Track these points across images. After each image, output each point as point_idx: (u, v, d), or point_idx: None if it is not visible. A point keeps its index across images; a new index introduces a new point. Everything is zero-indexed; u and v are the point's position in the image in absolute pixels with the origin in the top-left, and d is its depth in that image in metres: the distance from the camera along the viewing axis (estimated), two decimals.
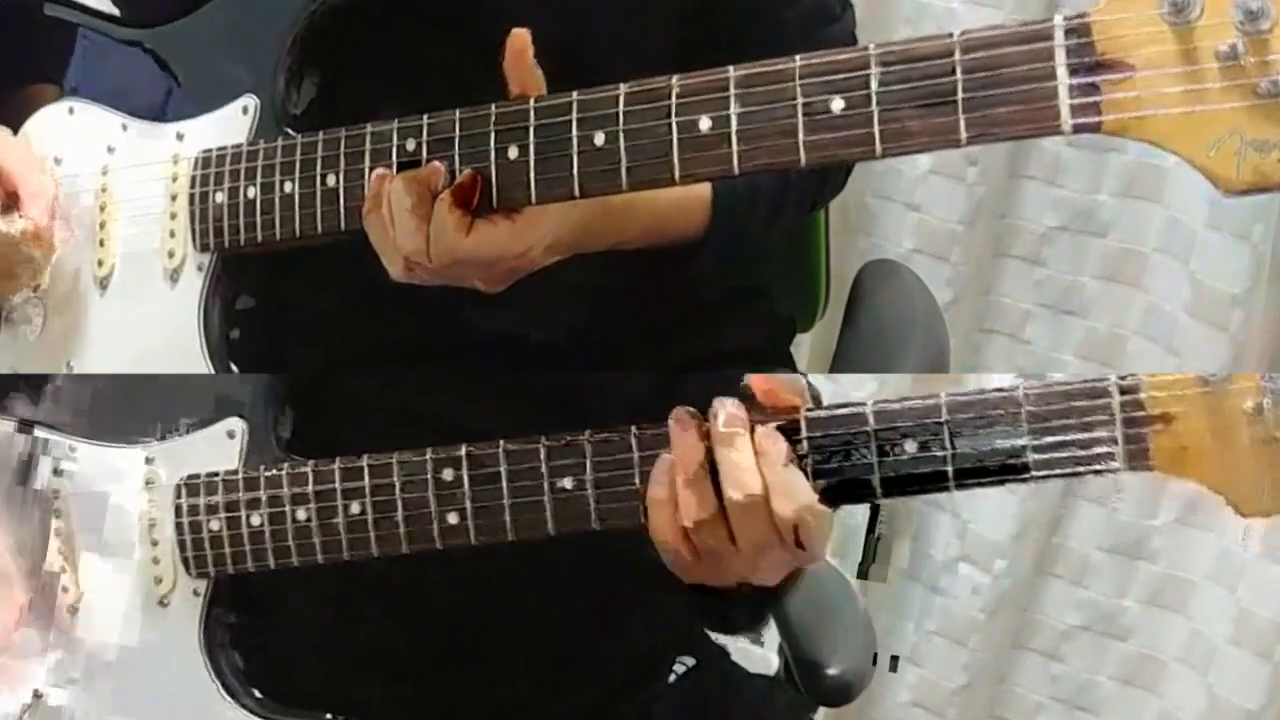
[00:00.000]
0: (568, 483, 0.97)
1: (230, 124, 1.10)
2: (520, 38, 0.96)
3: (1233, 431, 0.85)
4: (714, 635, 1.28)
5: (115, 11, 1.19)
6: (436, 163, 0.98)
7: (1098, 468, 0.88)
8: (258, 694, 1.07)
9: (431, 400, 1.11)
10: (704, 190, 1.14)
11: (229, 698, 1.07)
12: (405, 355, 1.15)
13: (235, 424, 1.07)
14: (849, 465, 0.93)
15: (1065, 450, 0.89)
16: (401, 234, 0.98)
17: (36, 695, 1.11)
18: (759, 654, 1.34)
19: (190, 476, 1.07)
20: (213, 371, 1.10)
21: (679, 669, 1.23)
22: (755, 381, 0.94)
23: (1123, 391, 0.87)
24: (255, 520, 1.05)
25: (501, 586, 1.10)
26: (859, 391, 2.12)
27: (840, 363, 1.47)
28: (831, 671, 1.35)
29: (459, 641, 1.15)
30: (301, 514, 1.03)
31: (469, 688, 1.16)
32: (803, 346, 1.99)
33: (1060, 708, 2.10)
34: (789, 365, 1.32)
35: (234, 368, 1.11)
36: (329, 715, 1.08)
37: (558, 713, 1.18)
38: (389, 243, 0.99)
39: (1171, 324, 1.93)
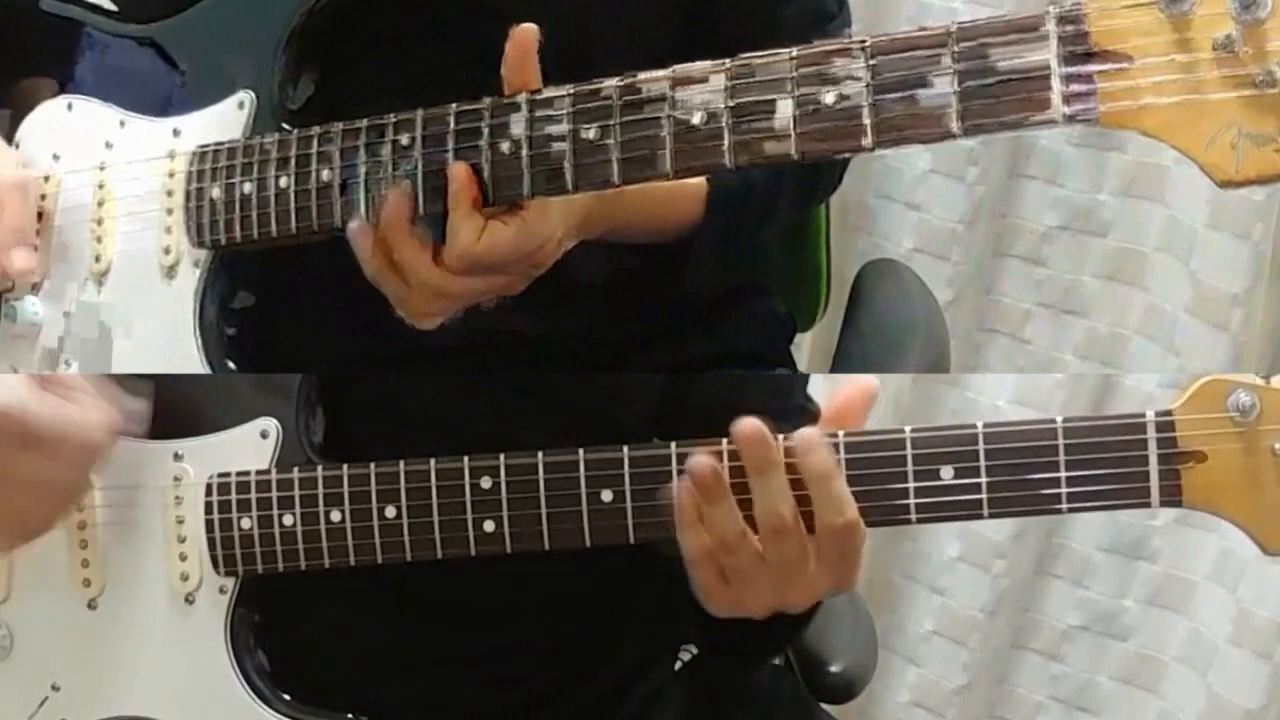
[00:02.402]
0: (606, 495, 0.98)
1: (226, 119, 1.10)
2: (525, 34, 0.96)
3: (1260, 470, 0.88)
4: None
5: (113, 7, 1.19)
6: (400, 192, 0.98)
7: (1130, 502, 0.90)
8: (285, 696, 1.07)
9: (434, 401, 1.11)
10: (698, 183, 1.14)
11: (256, 698, 1.06)
12: (403, 355, 1.15)
13: (269, 424, 1.07)
14: (886, 489, 0.94)
15: (1100, 484, 0.90)
16: (418, 281, 0.99)
17: (54, 688, 1.11)
18: None
19: (221, 474, 1.07)
20: (209, 369, 1.09)
21: (684, 657, 1.23)
22: (834, 410, 0.95)
23: (1159, 428, 0.89)
24: (288, 520, 1.04)
25: (512, 584, 1.10)
26: None
27: (841, 362, 1.47)
28: (834, 669, 1.35)
29: (473, 640, 1.15)
30: (335, 515, 1.03)
31: (484, 686, 1.16)
32: (803, 346, 2.00)
33: (1060, 708, 2.10)
34: (789, 365, 1.32)
35: (231, 365, 1.10)
36: (349, 716, 1.07)
37: (571, 706, 1.18)
38: (408, 292, 1.00)
39: (1172, 323, 1.93)
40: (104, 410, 1.05)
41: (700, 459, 0.94)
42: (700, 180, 1.14)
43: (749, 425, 0.93)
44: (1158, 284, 1.97)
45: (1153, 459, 0.89)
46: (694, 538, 0.95)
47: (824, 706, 1.32)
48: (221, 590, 1.07)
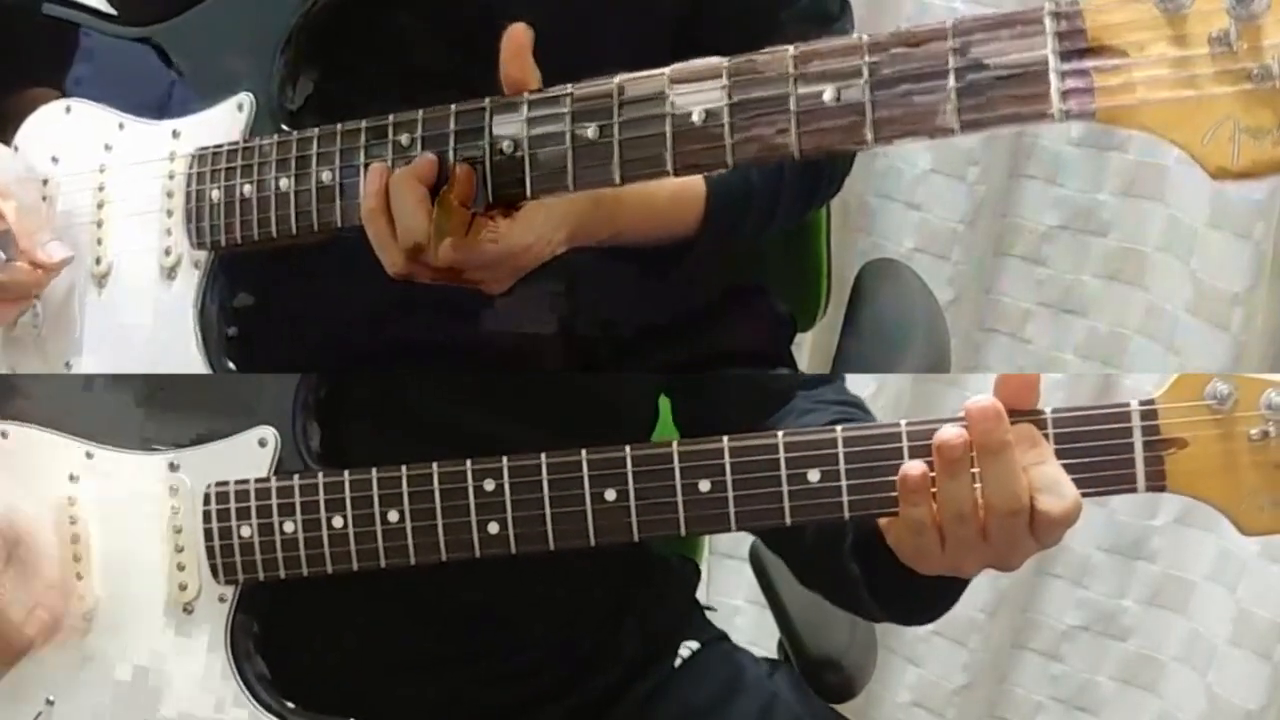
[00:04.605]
0: (610, 494, 0.98)
1: (226, 121, 1.10)
2: (519, 33, 0.96)
3: (1237, 455, 0.91)
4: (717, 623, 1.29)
5: (111, 10, 1.19)
6: (428, 154, 0.98)
7: (1118, 488, 0.92)
8: (289, 703, 1.07)
9: (432, 402, 1.11)
10: (698, 187, 1.14)
11: (259, 706, 1.06)
12: (402, 355, 1.15)
13: (267, 432, 1.06)
14: (882, 481, 0.94)
15: (1088, 471, 0.92)
16: (404, 231, 0.98)
17: (49, 702, 1.10)
18: (758, 653, 1.34)
19: (219, 483, 1.06)
20: (209, 370, 1.10)
21: (684, 653, 1.23)
22: (1008, 384, 0.94)
23: (1143, 417, 0.91)
24: (289, 527, 1.04)
25: (514, 583, 1.10)
26: (859, 392, 2.13)
27: (841, 362, 1.47)
28: (834, 668, 1.35)
29: (477, 639, 1.16)
30: (338, 521, 1.03)
31: (488, 685, 1.16)
32: (803, 346, 2.00)
33: (1060, 708, 2.10)
34: (790, 365, 1.32)
35: (231, 365, 1.10)
36: None
37: (573, 703, 1.19)
38: (390, 240, 0.99)
39: (1173, 323, 1.93)
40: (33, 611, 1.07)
41: (951, 432, 0.92)
42: (700, 186, 1.14)
43: (985, 402, 0.92)
44: (1158, 284, 1.97)
45: (1138, 446, 0.91)
46: (921, 512, 0.93)
47: None
48: (221, 599, 1.07)
